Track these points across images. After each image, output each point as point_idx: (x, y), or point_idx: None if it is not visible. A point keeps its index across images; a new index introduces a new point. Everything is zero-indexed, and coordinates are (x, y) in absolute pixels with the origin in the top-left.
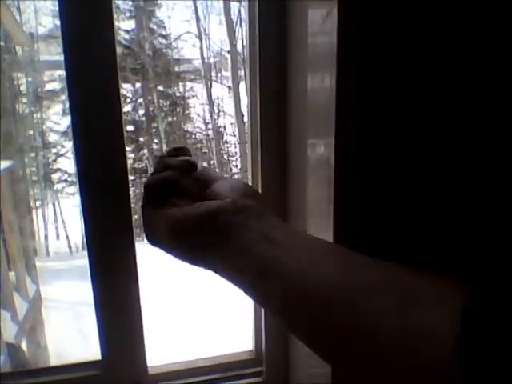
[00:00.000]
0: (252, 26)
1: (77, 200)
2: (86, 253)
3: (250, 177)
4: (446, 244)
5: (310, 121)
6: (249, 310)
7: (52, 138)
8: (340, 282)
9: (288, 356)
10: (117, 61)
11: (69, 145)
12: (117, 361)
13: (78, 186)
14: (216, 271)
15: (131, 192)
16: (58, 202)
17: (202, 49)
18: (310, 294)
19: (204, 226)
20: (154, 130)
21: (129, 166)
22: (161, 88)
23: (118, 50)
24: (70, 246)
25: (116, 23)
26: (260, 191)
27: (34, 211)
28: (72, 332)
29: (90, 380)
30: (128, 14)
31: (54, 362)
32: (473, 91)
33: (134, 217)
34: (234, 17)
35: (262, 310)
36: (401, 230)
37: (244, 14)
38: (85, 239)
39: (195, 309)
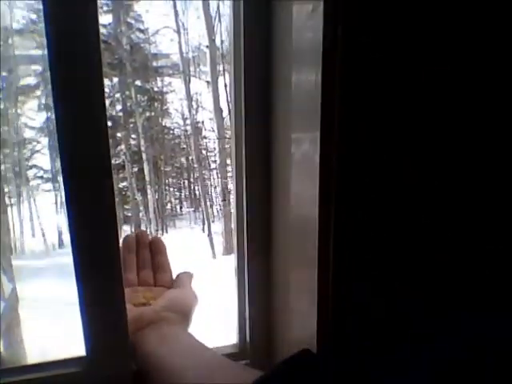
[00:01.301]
0: (237, 21)
1: (53, 197)
2: (62, 250)
3: (231, 173)
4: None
5: (294, 116)
6: (233, 304)
7: (28, 133)
8: None
9: (272, 349)
10: (101, 55)
11: (45, 141)
12: (101, 356)
13: (62, 182)
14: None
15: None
16: (34, 199)
17: (180, 43)
18: None
19: (131, 326)
20: (131, 126)
21: None
22: (138, 83)
23: None
24: (46, 244)
25: None
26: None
27: (9, 208)
28: (52, 330)
29: (74, 376)
30: (105, 9)
31: (33, 360)
32: (462, 87)
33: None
34: (212, 12)
35: (247, 303)
36: (387, 226)
37: (223, 9)
38: (60, 237)
39: None
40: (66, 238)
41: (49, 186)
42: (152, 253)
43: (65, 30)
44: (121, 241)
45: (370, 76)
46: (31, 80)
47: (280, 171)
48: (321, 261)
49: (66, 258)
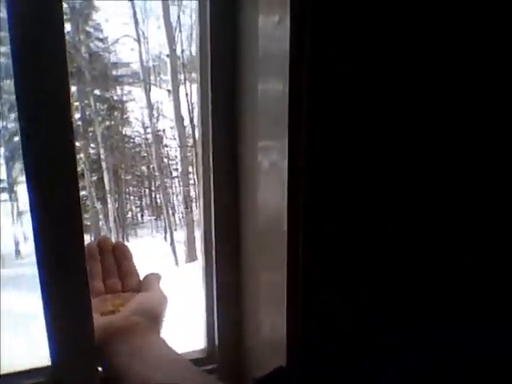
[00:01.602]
0: (203, 29)
1: (8, 207)
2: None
3: (198, 181)
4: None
5: (262, 125)
6: (199, 309)
7: None
8: None
9: (241, 352)
10: (67, 62)
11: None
12: (67, 366)
13: (18, 192)
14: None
15: None
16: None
17: (140, 52)
18: None
19: (100, 335)
20: (90, 134)
21: None
22: (98, 92)
23: None
24: (1, 255)
25: None
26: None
27: None
28: (13, 341)
29: None
30: (64, 17)
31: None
32: (428, 97)
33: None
34: (173, 21)
35: (215, 308)
36: (355, 236)
37: (184, 19)
38: (17, 247)
39: None
40: (23, 248)
41: (5, 196)
42: (117, 259)
43: (30, 37)
44: None
45: (337, 85)
46: None
47: (248, 179)
48: (290, 268)
49: (25, 268)
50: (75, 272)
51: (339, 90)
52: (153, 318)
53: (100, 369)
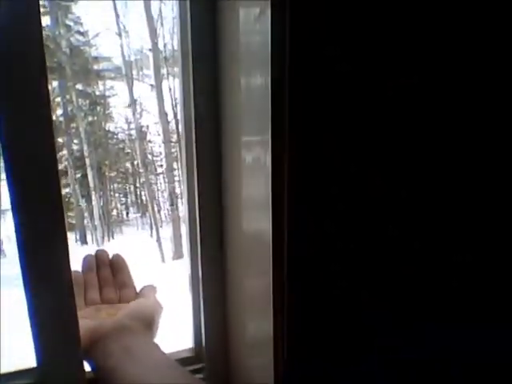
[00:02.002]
0: (183, 23)
1: None
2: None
3: (181, 177)
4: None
5: (245, 119)
6: (187, 308)
7: None
8: None
9: (228, 351)
10: (45, 57)
11: None
12: (53, 367)
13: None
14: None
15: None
16: None
17: (122, 46)
18: None
19: (89, 337)
20: (73, 130)
21: None
22: (79, 87)
23: None
24: None
25: None
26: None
27: None
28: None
29: None
30: (42, 10)
31: None
32: (411, 85)
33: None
34: (154, 14)
35: (201, 306)
36: (339, 232)
37: (165, 12)
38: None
39: None
40: (6, 248)
41: None
42: (113, 271)
43: (5, 30)
44: (81, 261)
45: (320, 78)
46: None
47: (232, 175)
48: (275, 266)
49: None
50: (59, 271)
51: (321, 80)
52: (145, 323)
53: (88, 369)
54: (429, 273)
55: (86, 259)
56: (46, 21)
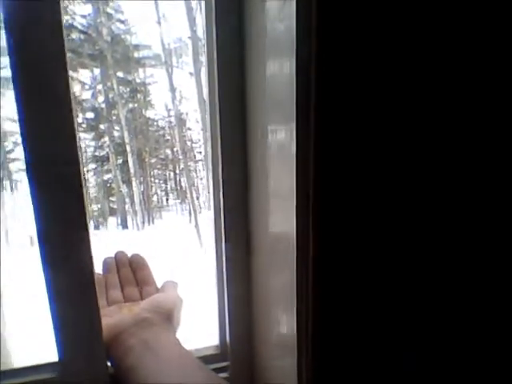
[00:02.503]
0: (208, 14)
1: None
2: None
3: (209, 165)
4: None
5: (270, 108)
6: (213, 305)
7: (8, 126)
8: None
9: (253, 350)
10: (64, 46)
11: None
12: (75, 361)
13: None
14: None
15: (93, 180)
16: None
17: (161, 34)
18: None
19: (110, 333)
20: (114, 117)
21: (90, 154)
22: (120, 74)
23: (75, 35)
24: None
25: (72, 8)
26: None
27: None
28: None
29: (48, 383)
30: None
31: (4, 366)
32: (438, 79)
33: (97, 206)
34: (193, 2)
35: (226, 303)
36: (364, 219)
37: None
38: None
39: None
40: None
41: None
42: (133, 270)
43: (26, 20)
44: (101, 264)
45: (346, 64)
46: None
47: (258, 164)
48: (299, 262)
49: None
50: (81, 264)
51: (349, 69)
52: (164, 316)
53: (109, 364)
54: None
55: (106, 261)
56: (87, 9)
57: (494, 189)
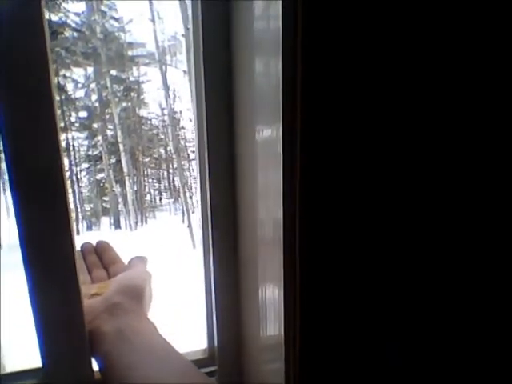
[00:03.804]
0: (195, 13)
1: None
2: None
3: (197, 163)
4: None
5: (257, 107)
6: (201, 308)
7: None
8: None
9: (241, 354)
10: (47, 44)
11: None
12: (60, 367)
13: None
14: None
15: (86, 179)
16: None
17: (155, 32)
18: None
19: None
20: (107, 116)
21: (83, 153)
22: (114, 72)
23: (68, 33)
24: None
25: (65, 5)
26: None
27: None
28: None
29: None
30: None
31: None
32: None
33: (90, 206)
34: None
35: (214, 307)
36: (350, 218)
37: None
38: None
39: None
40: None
41: None
42: (99, 254)
43: (6, 17)
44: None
45: (332, 63)
46: None
47: (245, 163)
48: (286, 265)
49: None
50: (64, 269)
51: (334, 69)
52: (134, 295)
53: (97, 369)
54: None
55: None
56: (81, 7)
57: (477, 185)
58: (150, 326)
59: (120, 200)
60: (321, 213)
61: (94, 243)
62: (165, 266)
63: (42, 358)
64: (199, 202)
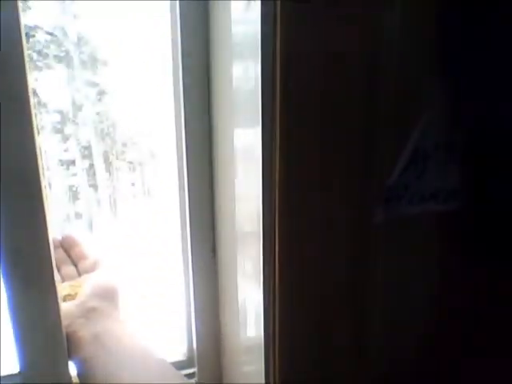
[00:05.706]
0: (173, 17)
1: None
2: None
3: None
4: None
5: (236, 111)
6: (180, 311)
7: None
8: None
9: (220, 355)
10: (24, 46)
11: None
12: (37, 372)
13: None
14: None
15: (60, 183)
16: None
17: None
18: None
19: None
20: (80, 120)
21: (55, 157)
22: (87, 76)
23: (40, 36)
24: None
25: (37, 7)
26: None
27: None
28: None
29: None
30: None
31: None
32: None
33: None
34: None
35: (193, 309)
36: (327, 219)
37: None
38: None
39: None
40: None
41: None
42: (66, 250)
43: None
44: None
45: (311, 67)
46: None
47: (224, 167)
48: (265, 268)
49: None
50: (41, 271)
51: (312, 73)
52: (110, 298)
53: (74, 375)
54: None
55: None
56: (54, 9)
57: None
58: (127, 329)
59: (93, 204)
60: (299, 217)
61: (60, 237)
62: (142, 269)
63: (19, 362)
64: (178, 205)
